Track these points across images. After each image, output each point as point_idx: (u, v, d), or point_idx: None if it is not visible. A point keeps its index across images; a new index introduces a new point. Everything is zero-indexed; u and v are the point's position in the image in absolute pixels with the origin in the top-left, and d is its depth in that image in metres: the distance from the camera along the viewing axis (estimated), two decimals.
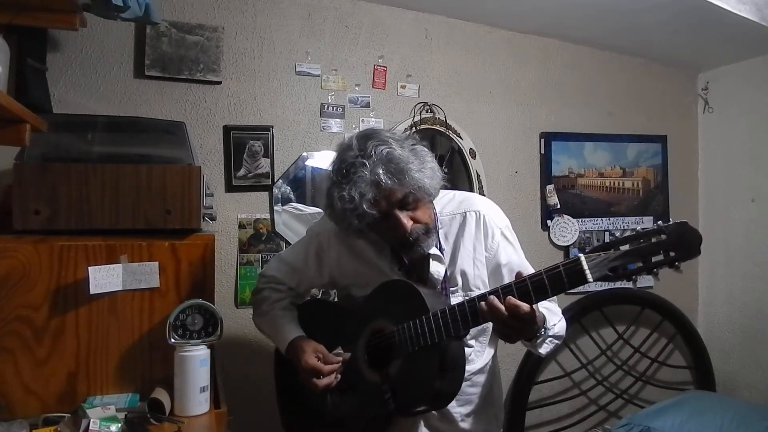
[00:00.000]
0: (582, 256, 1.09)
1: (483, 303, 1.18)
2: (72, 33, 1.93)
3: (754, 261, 2.86)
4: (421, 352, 1.26)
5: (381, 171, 1.24)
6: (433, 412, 1.41)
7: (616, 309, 2.88)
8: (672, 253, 1.05)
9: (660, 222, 1.08)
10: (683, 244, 1.04)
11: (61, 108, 1.94)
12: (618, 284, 2.75)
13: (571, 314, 2.70)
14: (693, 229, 1.05)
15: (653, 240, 1.06)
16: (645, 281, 2.96)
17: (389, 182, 1.25)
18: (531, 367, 2.65)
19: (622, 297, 2.88)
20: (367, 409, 1.38)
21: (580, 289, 2.80)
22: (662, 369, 3.00)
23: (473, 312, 1.21)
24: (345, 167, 1.28)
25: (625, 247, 1.08)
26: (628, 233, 1.11)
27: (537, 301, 1.17)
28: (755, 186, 2.86)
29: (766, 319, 2.81)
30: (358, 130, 2.31)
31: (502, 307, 1.15)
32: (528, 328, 1.21)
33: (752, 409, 2.47)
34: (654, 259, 1.06)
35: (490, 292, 1.20)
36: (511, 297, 1.15)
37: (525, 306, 1.15)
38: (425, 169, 1.30)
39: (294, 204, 2.29)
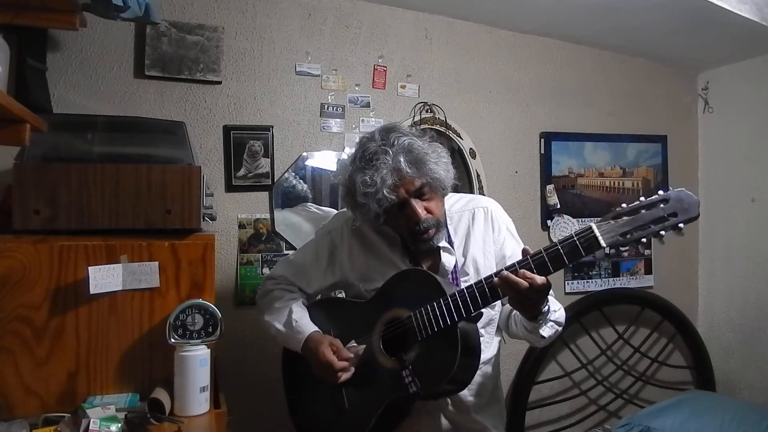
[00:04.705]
0: (593, 224, 1.20)
1: (498, 278, 1.24)
2: (72, 33, 1.93)
3: (755, 261, 2.86)
4: (439, 334, 1.31)
5: (402, 159, 1.34)
6: (449, 400, 1.46)
7: (616, 309, 2.87)
8: (674, 218, 1.17)
9: (661, 191, 1.19)
10: (683, 207, 1.17)
11: (61, 108, 1.94)
12: (618, 284, 2.87)
13: (571, 314, 2.68)
14: (691, 194, 1.18)
15: (657, 207, 1.18)
16: (645, 281, 2.96)
17: (409, 170, 1.34)
18: (531, 367, 2.65)
19: (622, 297, 2.88)
20: (386, 396, 1.39)
21: (581, 288, 2.81)
22: (662, 369, 3.00)
23: (491, 288, 1.27)
24: (368, 155, 1.37)
25: (632, 216, 1.18)
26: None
27: (554, 271, 1.24)
28: (755, 186, 2.86)
29: (766, 319, 2.81)
30: (359, 130, 2.34)
31: (519, 279, 1.21)
32: (541, 297, 1.27)
33: (752, 409, 2.47)
34: (659, 224, 1.18)
35: (507, 268, 1.26)
36: (525, 270, 1.22)
37: (539, 278, 1.22)
38: (441, 162, 1.41)
39: (307, 204, 2.28)
